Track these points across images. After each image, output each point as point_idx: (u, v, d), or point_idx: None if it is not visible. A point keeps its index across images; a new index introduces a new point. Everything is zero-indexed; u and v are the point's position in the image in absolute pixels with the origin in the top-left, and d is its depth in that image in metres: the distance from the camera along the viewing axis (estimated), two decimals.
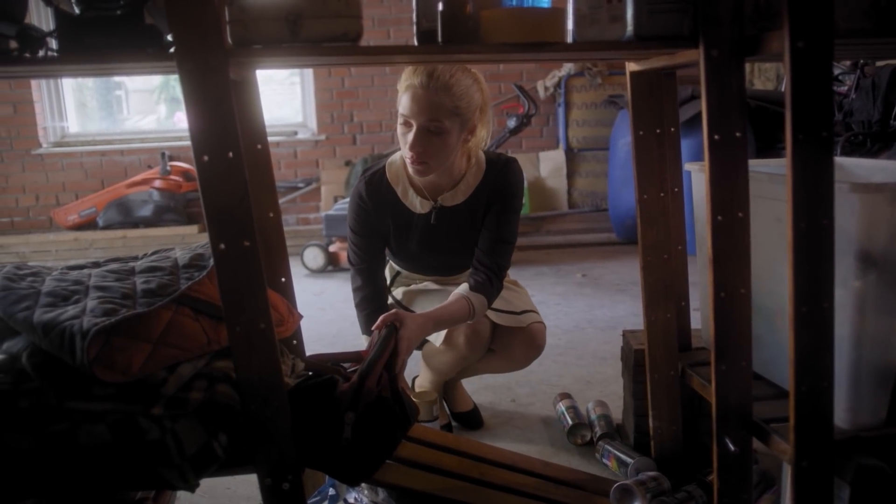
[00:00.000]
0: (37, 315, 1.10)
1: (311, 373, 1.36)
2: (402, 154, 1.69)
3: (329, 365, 1.30)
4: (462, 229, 1.79)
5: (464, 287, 1.73)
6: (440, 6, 1.11)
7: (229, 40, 1.10)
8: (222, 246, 1.08)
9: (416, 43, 1.18)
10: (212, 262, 1.24)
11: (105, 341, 1.06)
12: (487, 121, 1.74)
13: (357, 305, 1.82)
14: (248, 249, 1.09)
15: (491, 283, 1.73)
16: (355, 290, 1.82)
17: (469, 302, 1.69)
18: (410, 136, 1.62)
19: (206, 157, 1.06)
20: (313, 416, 1.17)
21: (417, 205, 1.77)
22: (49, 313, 1.10)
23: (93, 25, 1.08)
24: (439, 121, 1.59)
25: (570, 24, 1.19)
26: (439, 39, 1.12)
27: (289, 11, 1.06)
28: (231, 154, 1.06)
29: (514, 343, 1.82)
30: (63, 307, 1.13)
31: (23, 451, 1.07)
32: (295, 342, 1.48)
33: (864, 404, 1.22)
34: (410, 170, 1.69)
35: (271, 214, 1.41)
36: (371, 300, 1.80)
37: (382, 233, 1.82)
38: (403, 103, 1.62)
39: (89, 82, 5.26)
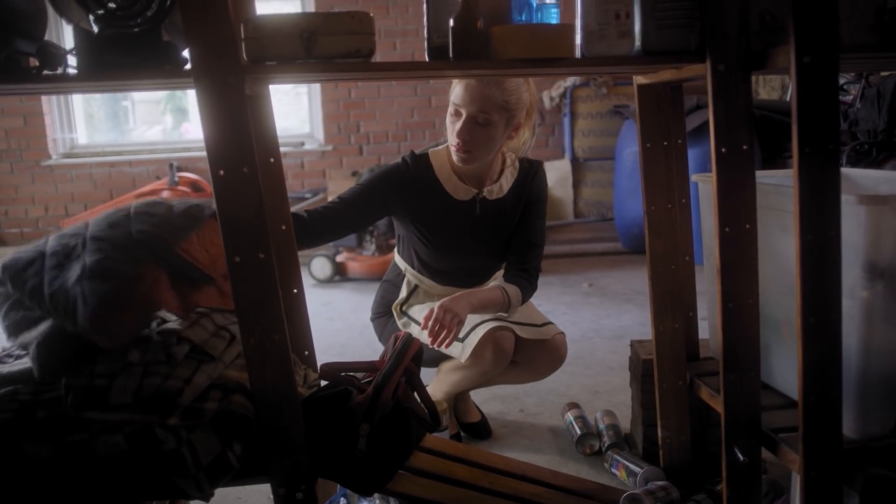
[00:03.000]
0: (46, 284, 1.15)
1: (324, 383, 1.38)
2: (449, 141, 1.77)
3: (342, 376, 1.31)
4: (502, 225, 1.86)
5: (498, 280, 1.80)
6: (451, 22, 1.13)
7: (244, 57, 1.12)
8: (237, 258, 1.10)
9: (427, 58, 1.21)
10: (205, 217, 1.27)
11: (103, 310, 1.11)
12: (533, 125, 1.82)
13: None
14: (263, 262, 1.11)
15: (526, 281, 1.81)
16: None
17: (504, 291, 1.75)
18: (459, 124, 1.70)
19: (221, 172, 1.08)
20: (327, 427, 1.19)
21: (461, 192, 1.82)
22: (56, 280, 1.15)
23: (111, 43, 1.10)
24: (488, 113, 1.67)
25: (578, 40, 1.21)
26: (450, 55, 1.14)
27: (303, 29, 1.09)
28: (246, 169, 1.08)
29: (539, 355, 1.85)
30: (67, 267, 1.17)
31: (41, 461, 1.09)
32: (307, 353, 1.49)
33: (873, 414, 1.23)
34: (455, 157, 1.77)
35: (283, 227, 1.43)
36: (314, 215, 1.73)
37: (383, 210, 1.81)
38: (456, 93, 1.70)
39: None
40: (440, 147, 1.87)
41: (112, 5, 1.12)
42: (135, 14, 1.12)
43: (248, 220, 1.10)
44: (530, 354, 1.85)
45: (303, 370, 1.41)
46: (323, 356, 2.78)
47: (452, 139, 1.74)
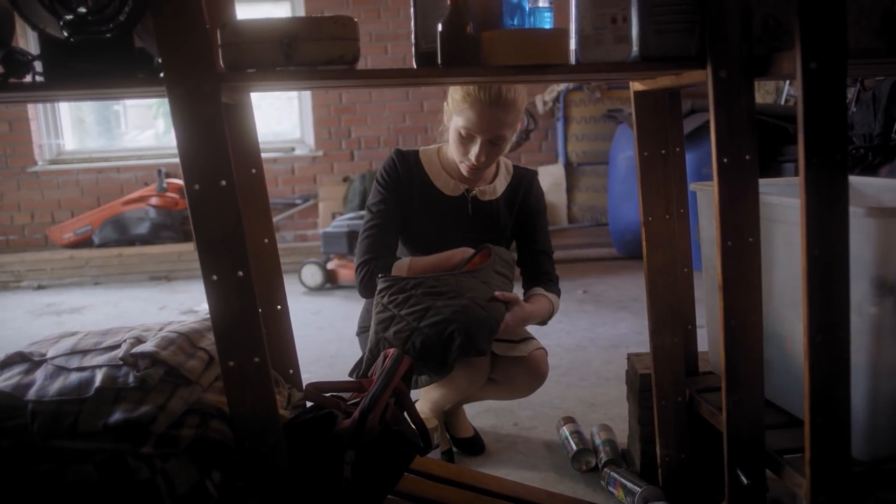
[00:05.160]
0: None
1: (309, 404, 1.32)
2: (457, 159, 1.73)
3: (328, 397, 1.25)
4: (495, 228, 1.82)
5: (535, 289, 1.79)
6: (439, 27, 1.07)
7: (222, 64, 1.06)
8: (215, 277, 1.04)
9: (414, 65, 1.15)
10: None
11: None
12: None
13: (360, 265, 1.68)
14: (241, 280, 1.05)
15: (557, 288, 1.83)
16: (363, 261, 1.68)
17: (549, 301, 1.77)
18: (474, 148, 1.66)
19: (197, 186, 1.02)
20: (311, 454, 1.13)
21: (450, 187, 1.78)
22: None
23: (80, 50, 1.04)
24: (502, 135, 1.65)
25: (573, 45, 1.16)
26: (439, 62, 1.08)
27: (283, 34, 1.03)
28: (224, 182, 1.03)
29: (517, 373, 1.78)
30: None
31: (5, 493, 1.02)
32: (291, 371, 1.43)
33: (883, 435, 1.18)
34: (465, 173, 1.74)
35: (266, 240, 1.37)
36: (379, 259, 1.68)
37: (405, 207, 1.76)
38: (468, 118, 1.62)
39: None
40: (430, 147, 1.84)
41: (82, 10, 1.07)
42: (106, 19, 1.06)
43: (225, 237, 1.04)
44: (508, 372, 1.79)
45: (287, 390, 1.35)
46: (313, 367, 2.75)
47: (464, 159, 1.69)
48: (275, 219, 4.86)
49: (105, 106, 5.34)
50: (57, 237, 4.73)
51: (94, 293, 4.30)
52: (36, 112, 4.87)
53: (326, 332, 3.27)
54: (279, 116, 5.30)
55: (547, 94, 5.02)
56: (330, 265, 4.12)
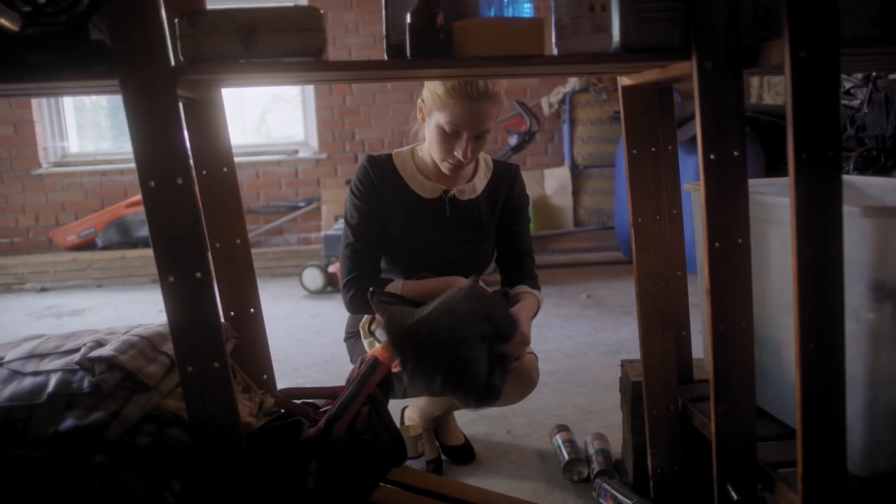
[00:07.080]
0: None
1: (282, 410, 1.27)
2: (438, 157, 1.65)
3: (298, 404, 1.20)
4: (477, 227, 1.75)
5: (520, 287, 1.72)
6: (408, 18, 1.02)
7: (181, 57, 1.02)
8: (171, 279, 1.00)
9: (385, 57, 1.10)
10: None
11: None
12: None
13: (347, 283, 1.64)
14: (200, 282, 1.00)
15: (538, 289, 1.75)
16: (350, 279, 1.64)
17: (536, 298, 1.71)
18: (460, 145, 1.60)
19: (152, 184, 0.97)
20: (273, 464, 1.07)
21: (427, 189, 1.71)
22: None
23: (33, 42, 1.00)
24: (489, 128, 1.61)
25: (554, 38, 1.10)
26: (408, 53, 1.03)
27: (242, 24, 0.98)
28: (180, 180, 0.98)
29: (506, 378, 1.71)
30: None
31: None
32: (265, 377, 1.38)
33: (881, 449, 1.11)
34: (447, 171, 1.67)
35: (238, 241, 1.32)
36: (366, 276, 1.64)
37: (384, 216, 1.70)
38: (455, 113, 1.55)
39: (103, 101, 5.20)
40: (403, 149, 1.77)
41: (41, 0, 1.02)
42: (64, 9, 1.02)
43: (182, 236, 0.99)
44: None
45: (259, 396, 1.30)
46: (308, 372, 2.70)
47: (447, 157, 1.62)
48: (277, 222, 4.83)
49: (120, 109, 5.30)
50: (60, 239, 4.72)
51: (96, 295, 4.29)
52: (41, 114, 4.88)
53: (323, 335, 3.22)
54: (291, 120, 5.26)
55: (553, 96, 4.96)
56: (331, 268, 4.07)
